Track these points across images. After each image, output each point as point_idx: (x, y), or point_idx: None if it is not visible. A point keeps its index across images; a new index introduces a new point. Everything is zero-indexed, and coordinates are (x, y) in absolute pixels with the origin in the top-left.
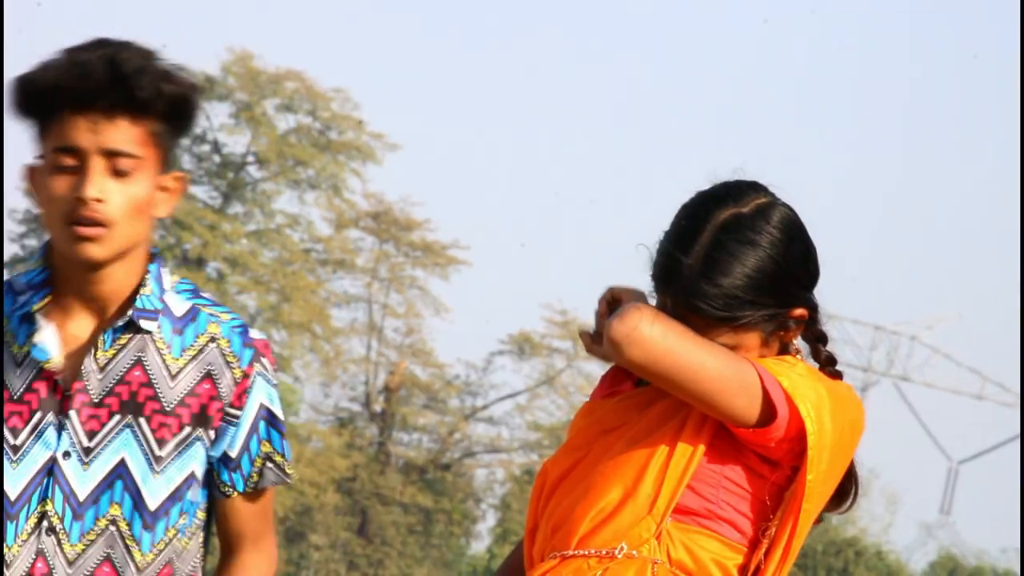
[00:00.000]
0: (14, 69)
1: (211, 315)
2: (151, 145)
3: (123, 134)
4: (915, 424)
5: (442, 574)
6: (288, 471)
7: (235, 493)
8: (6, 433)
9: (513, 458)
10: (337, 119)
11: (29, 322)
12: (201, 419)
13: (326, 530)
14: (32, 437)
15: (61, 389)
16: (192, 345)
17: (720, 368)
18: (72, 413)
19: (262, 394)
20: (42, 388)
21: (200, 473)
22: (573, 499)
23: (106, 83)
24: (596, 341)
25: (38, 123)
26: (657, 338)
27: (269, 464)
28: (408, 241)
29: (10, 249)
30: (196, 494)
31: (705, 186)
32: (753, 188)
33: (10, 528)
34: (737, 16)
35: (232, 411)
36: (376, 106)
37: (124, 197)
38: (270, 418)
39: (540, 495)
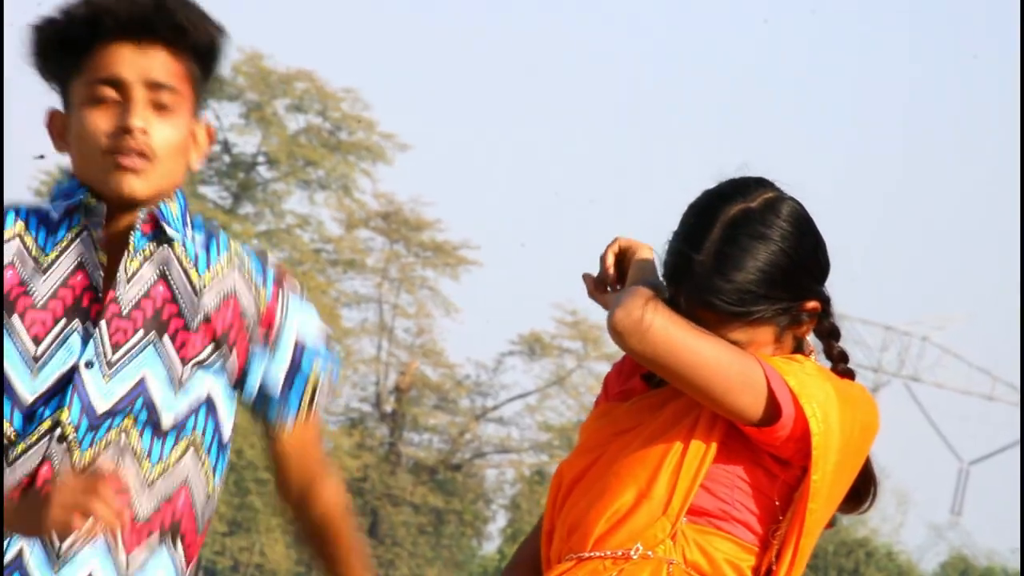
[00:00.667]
0: (14, 69)
1: (230, 238)
2: (188, 83)
3: (165, 67)
4: (925, 424)
5: (453, 575)
6: (335, 387)
7: (286, 430)
8: (28, 342)
9: (523, 458)
10: (347, 119)
11: (56, 231)
12: (224, 340)
13: None
14: (54, 344)
15: (92, 295)
16: (215, 264)
17: (723, 363)
18: (102, 322)
19: (296, 322)
20: (67, 295)
21: (219, 396)
22: (588, 501)
23: (151, 11)
24: (598, 288)
25: (69, 60)
26: (659, 330)
27: (319, 397)
28: (418, 241)
29: None
30: (217, 417)
31: (710, 184)
32: (760, 183)
33: (19, 428)
34: (737, 16)
35: (257, 345)
36: (386, 106)
37: (166, 132)
38: (313, 347)
39: (556, 497)
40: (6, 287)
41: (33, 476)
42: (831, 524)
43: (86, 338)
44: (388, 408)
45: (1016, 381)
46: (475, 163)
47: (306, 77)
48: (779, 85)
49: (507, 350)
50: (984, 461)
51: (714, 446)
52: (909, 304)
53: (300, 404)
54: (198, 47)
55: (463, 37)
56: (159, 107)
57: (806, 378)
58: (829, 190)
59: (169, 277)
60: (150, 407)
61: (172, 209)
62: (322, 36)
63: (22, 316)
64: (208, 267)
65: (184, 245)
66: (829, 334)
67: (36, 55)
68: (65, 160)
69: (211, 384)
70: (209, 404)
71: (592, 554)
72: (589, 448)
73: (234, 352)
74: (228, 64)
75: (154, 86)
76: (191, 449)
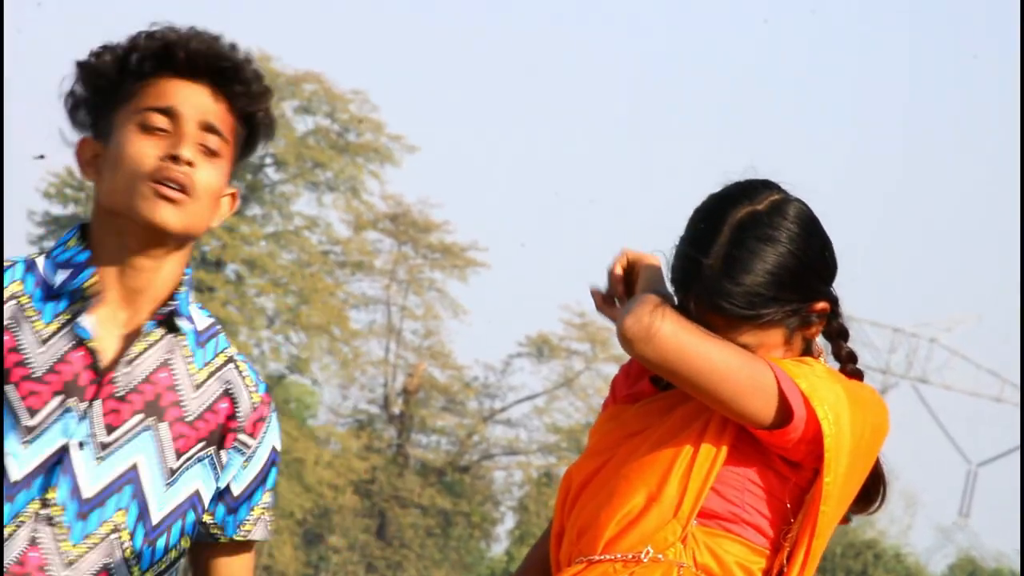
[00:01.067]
0: (14, 69)
1: (227, 338)
2: (233, 140)
3: (219, 114)
4: (934, 426)
5: None
6: (270, 529)
7: (223, 539)
8: (22, 412)
9: (531, 460)
10: (355, 121)
11: (56, 300)
12: (217, 438)
13: (344, 532)
14: (50, 419)
15: (92, 375)
16: (212, 361)
17: (734, 367)
18: (97, 402)
19: (275, 437)
20: (66, 370)
21: (205, 495)
22: (598, 503)
23: (221, 60)
24: (607, 301)
25: (121, 89)
26: (668, 335)
27: (264, 517)
28: (426, 243)
29: (29, 251)
30: (198, 518)
31: (713, 185)
32: (765, 186)
33: (6, 508)
34: (737, 16)
35: (245, 439)
36: (394, 108)
37: (209, 173)
38: (275, 468)
39: (565, 500)
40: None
41: (20, 562)
42: (846, 520)
43: (81, 417)
44: (396, 410)
45: None
46: (483, 165)
47: (314, 79)
48: (779, 85)
49: (515, 352)
50: (992, 463)
51: (724, 449)
52: (917, 306)
53: (245, 520)
54: (250, 113)
55: (470, 39)
56: (207, 151)
57: (817, 380)
58: (830, 190)
59: (172, 365)
60: (140, 498)
61: (183, 293)
62: (330, 38)
63: (17, 385)
64: (204, 364)
65: (187, 335)
66: (838, 335)
67: (88, 82)
68: (69, 160)
69: (199, 483)
70: (194, 505)
71: (602, 557)
72: (599, 451)
73: (224, 448)
74: (261, 151)
75: (207, 128)
76: (176, 556)
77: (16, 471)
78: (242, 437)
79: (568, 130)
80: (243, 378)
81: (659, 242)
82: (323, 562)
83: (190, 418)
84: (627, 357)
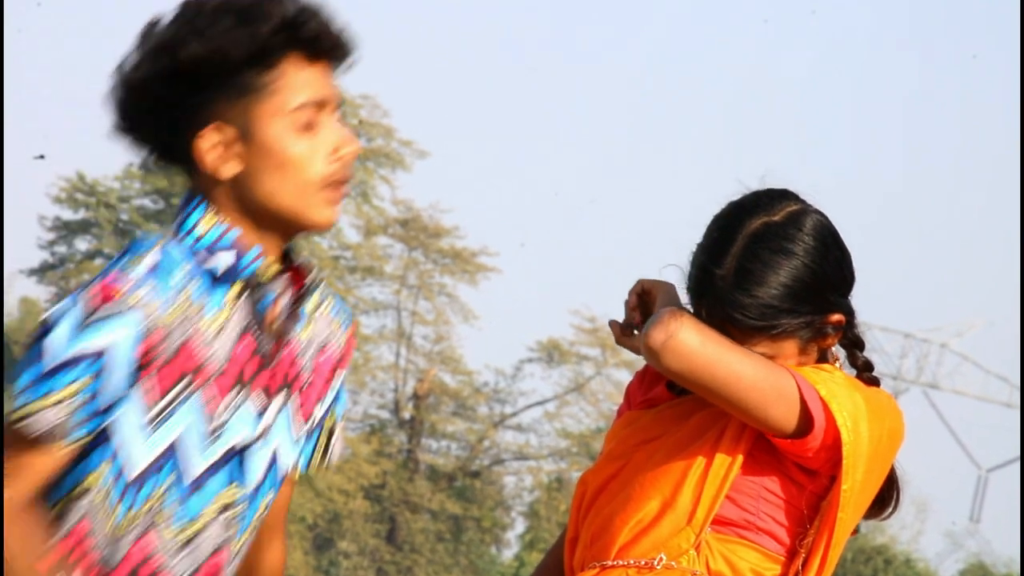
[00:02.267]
0: (14, 69)
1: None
2: None
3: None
4: (944, 432)
5: None
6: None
7: (297, 474)
8: (205, 416)
9: (542, 465)
10: (366, 126)
11: (214, 291)
12: (328, 395)
13: (355, 537)
14: (228, 418)
15: (256, 364)
16: (306, 315)
17: (758, 377)
18: (262, 390)
19: (349, 360)
20: (235, 366)
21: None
22: (612, 509)
23: (341, 35)
24: (626, 332)
25: (255, 75)
26: (695, 347)
27: (335, 435)
28: (437, 248)
29: (39, 256)
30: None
31: (716, 189)
32: (783, 196)
33: (189, 507)
34: (737, 16)
35: (337, 375)
36: (405, 113)
37: None
38: (343, 389)
39: (580, 505)
40: (187, 357)
41: (215, 566)
42: (854, 531)
43: (253, 408)
44: (406, 415)
45: None
46: (494, 171)
47: None
48: (779, 85)
49: (525, 357)
50: (1002, 468)
51: (740, 457)
52: (928, 311)
53: (316, 446)
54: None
55: (479, 43)
56: None
57: (836, 388)
58: (833, 192)
59: (293, 334)
60: (281, 476)
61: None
62: None
63: (201, 390)
64: (308, 317)
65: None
66: (853, 344)
67: (201, 65)
68: (75, 163)
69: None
70: (275, 461)
71: (615, 563)
72: (614, 456)
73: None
74: None
75: (339, 107)
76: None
77: (196, 469)
78: (336, 374)
79: (575, 133)
80: (332, 322)
81: (663, 242)
82: (333, 567)
83: (308, 381)
84: (639, 363)
